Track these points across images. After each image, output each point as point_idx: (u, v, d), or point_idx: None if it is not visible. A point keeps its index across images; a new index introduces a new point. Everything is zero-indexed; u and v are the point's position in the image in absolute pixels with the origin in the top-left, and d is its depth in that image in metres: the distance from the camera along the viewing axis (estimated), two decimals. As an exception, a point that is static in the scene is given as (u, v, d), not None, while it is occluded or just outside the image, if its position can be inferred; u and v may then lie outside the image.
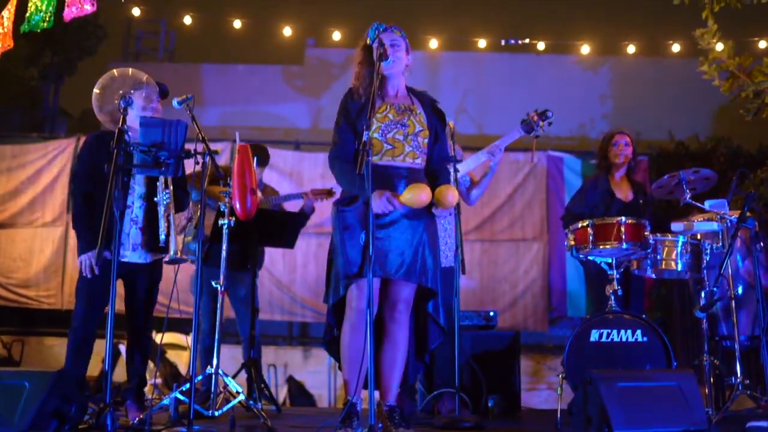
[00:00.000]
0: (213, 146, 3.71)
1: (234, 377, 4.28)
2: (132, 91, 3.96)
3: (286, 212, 5.39)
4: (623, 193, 5.08)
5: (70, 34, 12.39)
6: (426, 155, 3.53)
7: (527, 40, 8.92)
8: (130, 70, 4.09)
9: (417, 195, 3.29)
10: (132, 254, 4.03)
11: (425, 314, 3.57)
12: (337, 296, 3.39)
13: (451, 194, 3.35)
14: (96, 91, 4.02)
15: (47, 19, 5.14)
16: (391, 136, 3.42)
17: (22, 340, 8.96)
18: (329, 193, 5.31)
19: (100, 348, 3.61)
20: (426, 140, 3.50)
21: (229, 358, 5.31)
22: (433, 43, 9.25)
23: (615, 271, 4.36)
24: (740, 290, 4.41)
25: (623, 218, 4.29)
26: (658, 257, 4.45)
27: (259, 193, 5.44)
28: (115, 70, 4.07)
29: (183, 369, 8.18)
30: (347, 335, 3.37)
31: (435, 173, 3.56)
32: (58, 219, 8.70)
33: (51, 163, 8.80)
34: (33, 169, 8.85)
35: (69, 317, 4.04)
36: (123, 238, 4.04)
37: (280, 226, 4.85)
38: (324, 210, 8.41)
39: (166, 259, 3.96)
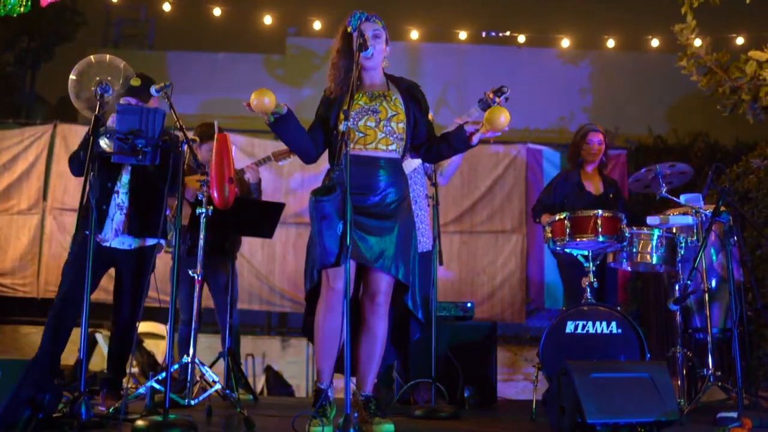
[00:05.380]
0: (191, 135, 3.67)
1: (211, 366, 4.26)
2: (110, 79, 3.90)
3: (264, 201, 5.37)
4: (594, 186, 5.12)
5: (47, 19, 12.24)
6: (403, 141, 3.44)
7: (508, 33, 8.96)
8: (108, 56, 4.05)
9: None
10: (115, 240, 4.06)
11: (403, 308, 3.50)
12: (312, 283, 3.36)
13: (503, 116, 3.22)
14: (72, 77, 3.98)
15: (24, 3, 5.07)
16: (362, 124, 3.36)
17: (-4, 329, 8.87)
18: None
19: (76, 336, 3.59)
20: (401, 125, 3.42)
21: (205, 347, 5.30)
22: (414, 35, 9.24)
23: (591, 264, 4.40)
24: (713, 283, 4.46)
25: (600, 211, 4.32)
26: (634, 250, 4.49)
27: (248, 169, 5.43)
28: (92, 57, 4.03)
29: (160, 358, 8.14)
30: (321, 315, 3.32)
31: (441, 137, 3.48)
32: (34, 206, 8.61)
33: (27, 150, 8.70)
34: (9, 155, 8.74)
35: (45, 306, 4.00)
36: (107, 223, 4.04)
37: (258, 215, 4.83)
38: (303, 200, 8.43)
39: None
